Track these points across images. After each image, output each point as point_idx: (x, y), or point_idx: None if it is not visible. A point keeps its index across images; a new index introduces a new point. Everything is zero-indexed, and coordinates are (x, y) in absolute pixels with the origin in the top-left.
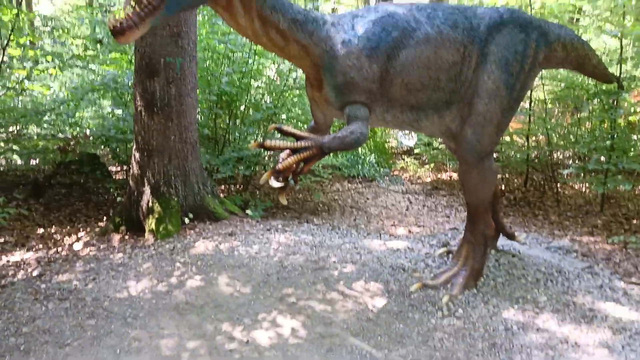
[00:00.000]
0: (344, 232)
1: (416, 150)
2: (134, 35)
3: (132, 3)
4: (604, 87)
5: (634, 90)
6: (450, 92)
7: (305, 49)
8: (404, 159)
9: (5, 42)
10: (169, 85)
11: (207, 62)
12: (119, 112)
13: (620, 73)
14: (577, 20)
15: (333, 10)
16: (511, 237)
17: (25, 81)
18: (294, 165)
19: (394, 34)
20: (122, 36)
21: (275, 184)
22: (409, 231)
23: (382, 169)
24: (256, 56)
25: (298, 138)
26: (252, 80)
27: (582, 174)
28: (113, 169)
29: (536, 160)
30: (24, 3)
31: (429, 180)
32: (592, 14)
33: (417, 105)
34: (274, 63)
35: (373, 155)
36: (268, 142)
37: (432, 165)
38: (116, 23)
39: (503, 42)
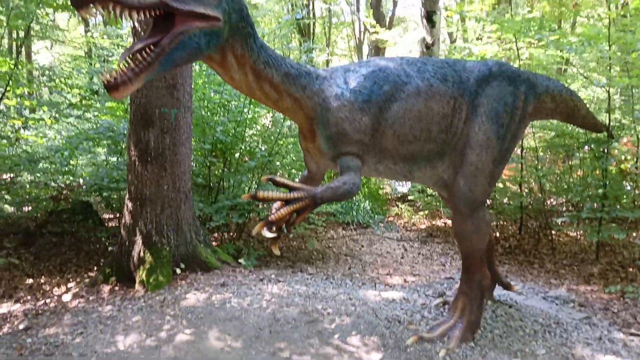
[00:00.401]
0: (339, 282)
1: (410, 197)
2: (128, 90)
3: (127, 59)
4: (594, 136)
5: (624, 137)
6: (441, 143)
7: (299, 102)
8: (398, 205)
9: (2, 92)
10: (163, 135)
11: (203, 112)
12: (113, 159)
13: (610, 122)
14: (565, 70)
15: (327, 62)
16: (507, 287)
17: (21, 130)
18: (287, 216)
19: (385, 88)
20: (117, 91)
21: (268, 234)
22: (405, 280)
23: (376, 216)
24: (251, 105)
25: (291, 189)
26: (247, 129)
27: (577, 222)
28: (106, 216)
29: (530, 207)
30: (23, 52)
31: (423, 227)
32: (579, 65)
33: (409, 156)
34: (269, 112)
35: (367, 201)
36: (261, 194)
37: (426, 211)
38: (110, 78)
39: (492, 95)
